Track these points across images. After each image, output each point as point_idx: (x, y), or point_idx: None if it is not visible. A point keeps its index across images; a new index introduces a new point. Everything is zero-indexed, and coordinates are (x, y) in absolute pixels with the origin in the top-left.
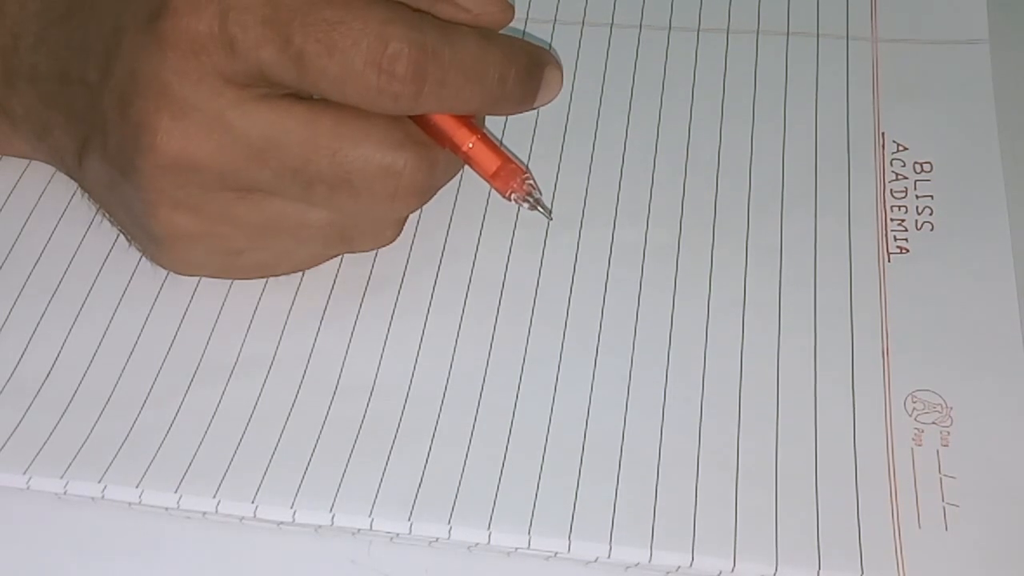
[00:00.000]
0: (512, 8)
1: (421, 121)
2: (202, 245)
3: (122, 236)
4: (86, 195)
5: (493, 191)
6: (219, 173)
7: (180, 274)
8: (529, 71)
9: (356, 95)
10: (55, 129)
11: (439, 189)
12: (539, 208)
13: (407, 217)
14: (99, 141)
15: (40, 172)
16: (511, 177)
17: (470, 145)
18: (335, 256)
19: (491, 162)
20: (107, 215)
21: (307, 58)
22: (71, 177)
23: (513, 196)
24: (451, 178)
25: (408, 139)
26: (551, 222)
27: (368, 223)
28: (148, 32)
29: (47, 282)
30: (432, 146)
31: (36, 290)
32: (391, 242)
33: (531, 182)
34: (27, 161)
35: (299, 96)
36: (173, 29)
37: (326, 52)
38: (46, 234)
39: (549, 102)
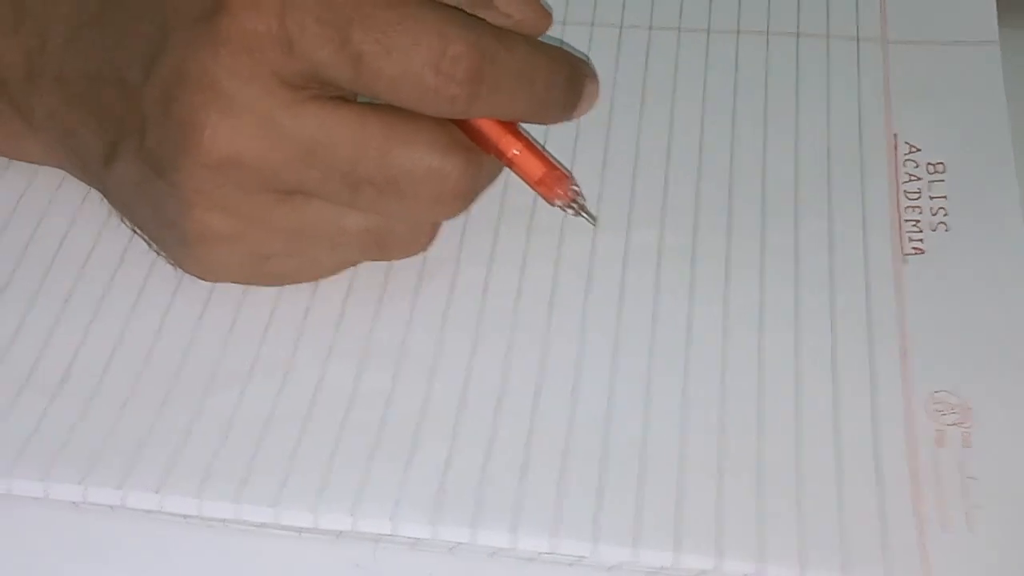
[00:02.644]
0: (550, 15)
1: (466, 127)
2: (232, 248)
3: (137, 240)
4: (104, 200)
5: (505, 197)
6: (263, 174)
7: (203, 279)
8: (572, 79)
9: (411, 96)
10: (81, 130)
11: (480, 194)
12: (583, 214)
13: (440, 224)
14: (134, 141)
15: (50, 177)
16: (557, 183)
17: (516, 152)
18: (360, 263)
19: (537, 168)
20: (126, 220)
21: (365, 59)
22: (88, 181)
23: (558, 202)
24: (491, 183)
25: (455, 143)
26: (564, 227)
27: (406, 228)
28: (200, 29)
29: (59, 289)
30: (477, 151)
31: (49, 297)
32: (423, 250)
33: (575, 188)
34: (36, 167)
35: (345, 99)
36: (228, 27)
37: (384, 52)
38: (58, 240)
39: (586, 113)
